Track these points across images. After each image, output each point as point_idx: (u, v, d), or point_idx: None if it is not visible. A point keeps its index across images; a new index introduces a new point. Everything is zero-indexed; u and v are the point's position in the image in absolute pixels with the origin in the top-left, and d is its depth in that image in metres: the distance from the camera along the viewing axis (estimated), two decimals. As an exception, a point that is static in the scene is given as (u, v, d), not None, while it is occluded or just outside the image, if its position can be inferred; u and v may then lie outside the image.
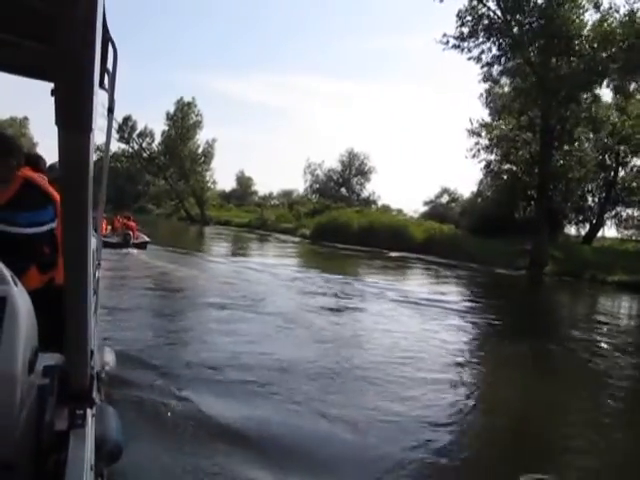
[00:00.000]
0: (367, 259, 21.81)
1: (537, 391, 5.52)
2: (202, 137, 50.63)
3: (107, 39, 2.46)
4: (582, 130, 25.45)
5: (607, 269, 19.44)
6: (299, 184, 69.74)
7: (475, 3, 23.05)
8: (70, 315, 1.20)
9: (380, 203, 55.59)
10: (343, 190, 55.95)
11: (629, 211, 30.92)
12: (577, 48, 21.78)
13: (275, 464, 3.33)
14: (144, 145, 51.16)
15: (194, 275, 12.41)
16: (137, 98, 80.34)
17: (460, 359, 6.57)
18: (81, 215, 0.98)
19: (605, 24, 21.03)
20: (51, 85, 0.85)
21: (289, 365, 5.40)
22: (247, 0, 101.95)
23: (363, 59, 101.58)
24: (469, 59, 24.27)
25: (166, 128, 50.00)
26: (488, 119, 29.90)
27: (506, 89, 28.27)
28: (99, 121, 1.05)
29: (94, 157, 0.93)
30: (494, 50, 23.88)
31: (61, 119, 0.80)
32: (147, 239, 17.73)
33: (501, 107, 28.38)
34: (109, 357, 3.69)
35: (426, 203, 54.35)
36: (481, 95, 30.48)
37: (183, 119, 48.99)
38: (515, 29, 22.73)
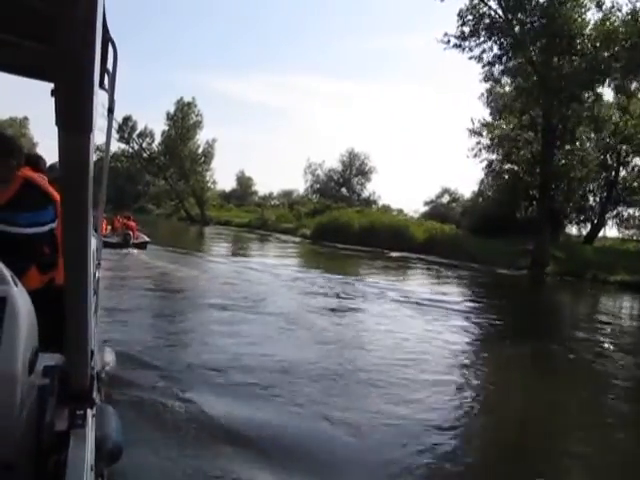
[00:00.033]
0: (368, 259, 21.75)
1: (540, 392, 5.46)
2: (202, 137, 50.63)
3: (107, 39, 2.47)
4: (584, 130, 25.38)
5: (609, 269, 19.37)
6: (299, 184, 69.81)
7: (476, 2, 22.98)
8: (70, 315, 1.20)
9: (380, 203, 55.59)
10: (344, 190, 55.86)
11: (630, 211, 30.88)
12: (579, 47, 21.72)
13: (277, 467, 3.29)
14: (144, 145, 51.13)
15: (194, 275, 12.37)
16: (137, 98, 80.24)
17: (463, 361, 6.53)
18: (81, 215, 0.97)
19: (607, 23, 20.96)
20: (51, 85, 0.84)
21: (291, 366, 5.35)
22: (247, 0, 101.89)
23: (363, 59, 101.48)
24: (470, 58, 24.24)
25: (166, 128, 49.99)
26: (489, 119, 29.89)
27: (507, 89, 28.19)
28: (99, 121, 1.05)
29: (94, 157, 0.93)
30: (495, 49, 23.86)
31: (61, 119, 0.79)
32: (147, 239, 17.71)
33: (502, 107, 28.29)
34: (109, 357, 3.71)
35: (427, 203, 54.37)
36: (482, 95, 30.43)
37: (183, 119, 48.93)
38: (517, 28, 22.65)
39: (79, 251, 1.04)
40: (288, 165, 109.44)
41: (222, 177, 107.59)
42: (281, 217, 43.33)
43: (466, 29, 23.41)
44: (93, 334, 1.54)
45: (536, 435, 4.26)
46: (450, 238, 26.85)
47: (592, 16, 22.00)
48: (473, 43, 23.64)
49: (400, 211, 51.80)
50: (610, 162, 28.31)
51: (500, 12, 22.81)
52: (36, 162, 2.59)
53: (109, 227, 16.98)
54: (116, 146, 50.13)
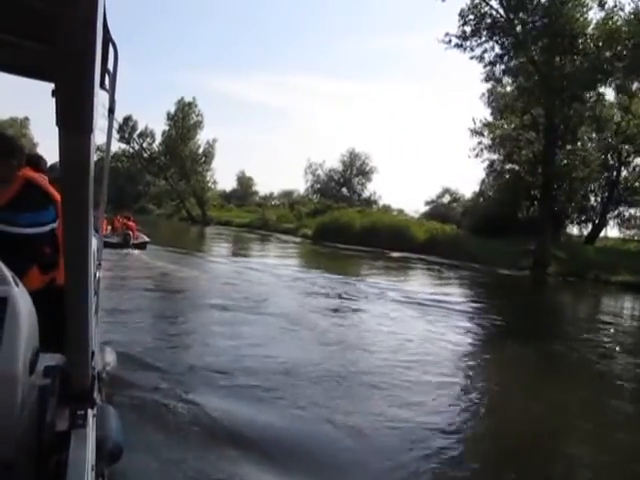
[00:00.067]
0: (369, 259, 21.70)
1: (545, 394, 5.38)
2: (203, 137, 50.68)
3: (108, 39, 2.49)
4: (585, 130, 25.31)
5: (610, 269, 19.30)
6: (299, 184, 69.66)
7: (478, 1, 22.93)
8: (71, 315, 1.20)
9: (381, 203, 55.59)
10: (344, 190, 55.83)
11: (632, 211, 30.82)
12: (581, 47, 21.65)
13: (280, 470, 3.25)
14: (145, 145, 51.14)
15: (195, 276, 12.32)
16: (138, 98, 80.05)
17: (466, 362, 6.47)
18: (82, 215, 0.98)
19: (610, 22, 20.88)
20: (51, 85, 0.84)
21: (293, 368, 5.30)
22: (247, 0, 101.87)
23: (363, 59, 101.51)
24: (471, 58, 24.18)
25: (167, 128, 49.98)
26: (490, 119, 29.83)
27: (508, 88, 28.13)
28: (100, 121, 1.06)
29: (94, 157, 0.93)
30: (497, 49, 23.83)
31: (62, 120, 0.80)
32: (147, 239, 17.69)
33: (504, 106, 28.23)
34: (110, 357, 3.71)
35: (427, 203, 54.36)
36: (483, 95, 30.37)
37: (184, 119, 48.91)
38: (518, 28, 22.60)
39: (80, 251, 1.04)
40: (288, 165, 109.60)
41: (223, 177, 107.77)
42: (282, 217, 43.29)
43: (467, 29, 23.40)
44: (94, 334, 1.54)
45: (542, 438, 4.19)
46: (451, 238, 26.80)
47: (594, 15, 21.99)
48: (474, 43, 23.63)
49: (401, 211, 51.81)
50: (611, 162, 28.25)
51: (502, 12, 22.77)
52: (37, 162, 2.59)
53: (109, 227, 16.95)
54: (116, 146, 50.26)
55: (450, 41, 23.62)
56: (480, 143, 29.69)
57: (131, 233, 17.28)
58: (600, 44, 21.02)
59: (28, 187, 2.22)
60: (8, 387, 1.28)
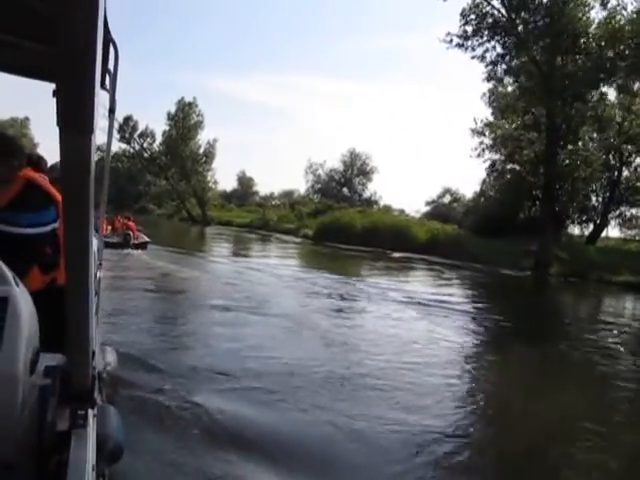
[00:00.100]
0: (370, 260, 21.64)
1: (551, 397, 5.31)
2: (203, 137, 50.57)
3: (108, 40, 2.51)
4: (587, 129, 25.23)
5: (613, 270, 19.23)
6: (300, 184, 69.45)
7: (479, 1, 22.88)
8: (71, 315, 1.21)
9: (382, 203, 55.53)
10: (345, 190, 55.78)
11: (633, 211, 30.74)
12: (583, 46, 21.58)
13: (282, 474, 3.21)
14: (145, 145, 51.07)
15: (196, 276, 12.26)
16: (138, 98, 79.95)
17: (471, 364, 6.42)
18: (82, 215, 0.98)
19: (612, 21, 20.80)
20: (52, 85, 0.84)
21: (296, 370, 5.26)
22: (248, 0, 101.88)
23: (363, 59, 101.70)
24: (472, 58, 24.12)
25: (167, 128, 49.90)
26: (491, 119, 29.75)
27: (510, 88, 28.06)
28: (100, 122, 1.05)
29: (95, 157, 0.92)
30: (498, 49, 23.76)
31: (62, 120, 0.80)
32: (147, 239, 17.67)
33: (505, 106, 28.15)
34: (110, 357, 3.72)
35: (428, 203, 54.36)
36: (484, 94, 30.28)
37: (184, 119, 48.84)
38: (520, 27, 22.53)
39: (80, 251, 1.05)
40: (289, 165, 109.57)
41: (223, 177, 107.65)
42: (283, 217, 43.24)
43: (469, 28, 23.34)
44: (94, 334, 1.55)
45: (548, 441, 4.13)
46: (452, 238, 26.73)
47: (596, 15, 21.92)
48: (476, 42, 23.57)
49: (402, 211, 51.78)
50: (613, 162, 28.19)
51: (503, 11, 22.71)
52: (37, 162, 2.59)
53: (109, 227, 16.92)
54: (117, 146, 50.12)
55: (451, 41, 23.60)
56: (482, 143, 29.64)
57: (131, 233, 17.27)
58: (603, 43, 20.94)
59: (29, 187, 2.22)
60: (9, 387, 1.28)
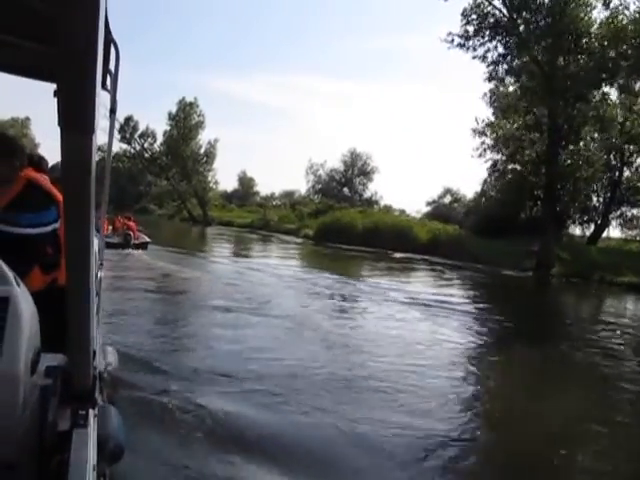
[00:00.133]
0: (372, 260, 21.59)
1: (556, 399, 5.27)
2: (204, 137, 50.46)
3: (109, 40, 2.52)
4: (588, 129, 25.16)
5: (615, 270, 19.17)
6: (300, 184, 69.48)
7: (480, 1, 22.82)
8: (72, 315, 1.21)
9: (382, 203, 55.47)
10: (346, 190, 55.72)
11: (634, 211, 30.66)
12: (585, 46, 21.52)
13: (284, 477, 3.18)
14: (146, 145, 51.01)
15: (197, 276, 12.23)
16: (139, 98, 79.82)
17: (474, 366, 6.38)
18: (83, 216, 0.98)
19: (615, 21, 20.73)
20: (52, 85, 0.86)
21: (298, 372, 5.22)
22: (249, 1, 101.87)
23: (363, 59, 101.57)
24: (474, 58, 24.06)
25: (168, 128, 49.78)
26: (492, 119, 29.68)
27: (511, 88, 27.99)
28: (101, 122, 1.06)
29: (96, 158, 0.93)
30: (500, 49, 23.69)
31: (64, 120, 0.80)
32: (147, 239, 17.65)
33: (506, 106, 28.07)
34: (112, 358, 3.71)
35: (429, 203, 54.33)
36: (485, 95, 30.20)
37: (185, 119, 48.77)
38: (521, 27, 22.46)
39: (81, 251, 1.05)
40: (289, 165, 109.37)
41: (224, 177, 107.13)
42: (283, 218, 43.18)
43: (470, 28, 23.27)
44: (95, 334, 1.55)
45: (555, 445, 4.07)
46: (454, 239, 26.68)
47: (598, 14, 21.85)
48: (477, 42, 23.50)
49: (402, 211, 51.72)
50: (614, 162, 28.13)
51: (505, 11, 22.64)
52: (38, 162, 2.59)
53: (110, 227, 16.89)
54: (118, 146, 50.10)
55: (453, 40, 23.53)
56: (483, 143, 29.56)
57: (132, 233, 17.26)
58: (605, 43, 20.87)
59: (30, 187, 2.23)
60: (10, 387, 1.28)
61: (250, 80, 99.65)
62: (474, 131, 29.22)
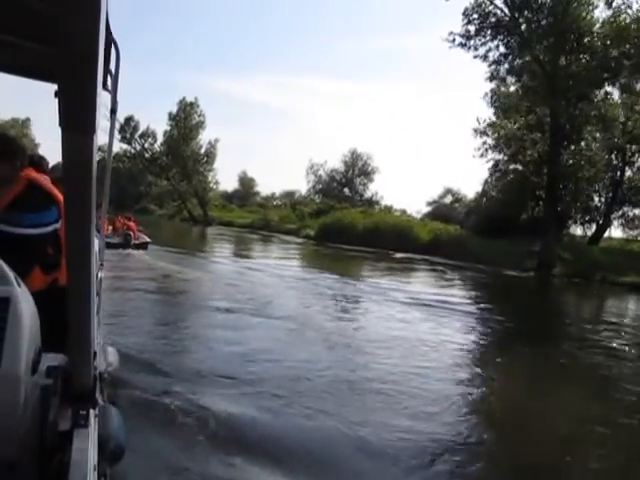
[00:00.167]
0: (373, 260, 21.54)
1: (559, 400, 5.22)
2: (204, 137, 50.46)
3: (110, 40, 2.52)
4: (590, 129, 25.11)
5: (616, 270, 19.11)
6: (301, 184, 69.51)
7: (482, 0, 22.77)
8: (73, 316, 1.22)
9: (383, 203, 55.43)
10: (346, 190, 55.70)
11: (636, 211, 30.65)
12: (588, 45, 21.46)
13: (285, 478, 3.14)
14: (146, 145, 51.02)
15: (198, 277, 12.18)
16: (139, 99, 79.68)
17: (478, 368, 6.34)
18: (84, 216, 0.98)
19: (617, 20, 20.67)
20: (53, 86, 0.80)
21: (300, 374, 5.17)
22: (249, 1, 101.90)
23: (363, 59, 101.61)
24: (475, 57, 24.05)
25: (168, 128, 49.78)
26: (493, 118, 29.62)
27: (512, 88, 27.95)
28: (102, 122, 1.04)
29: (97, 158, 0.93)
30: (501, 48, 23.69)
31: (64, 121, 0.80)
32: (148, 239, 17.64)
33: (508, 106, 28.02)
34: (112, 358, 3.67)
35: (429, 203, 54.33)
36: (486, 94, 30.14)
37: (186, 119, 48.76)
38: (523, 27, 22.43)
39: (82, 252, 1.06)
40: (290, 165, 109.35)
41: (224, 177, 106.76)
42: (284, 218, 43.14)
43: (471, 28, 23.30)
44: (96, 334, 1.56)
45: (561, 448, 4.03)
46: (455, 239, 26.63)
47: (600, 14, 21.80)
48: (478, 42, 23.54)
49: (403, 212, 51.69)
50: (616, 162, 28.08)
51: (506, 10, 22.64)
52: (39, 163, 2.60)
53: (110, 227, 16.86)
54: (118, 147, 50.14)
55: (454, 40, 23.56)
56: (484, 143, 29.51)
57: (132, 233, 17.25)
58: (608, 42, 20.81)
59: (31, 188, 2.23)
60: (11, 387, 1.29)
61: (250, 80, 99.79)
62: (475, 131, 29.18)
